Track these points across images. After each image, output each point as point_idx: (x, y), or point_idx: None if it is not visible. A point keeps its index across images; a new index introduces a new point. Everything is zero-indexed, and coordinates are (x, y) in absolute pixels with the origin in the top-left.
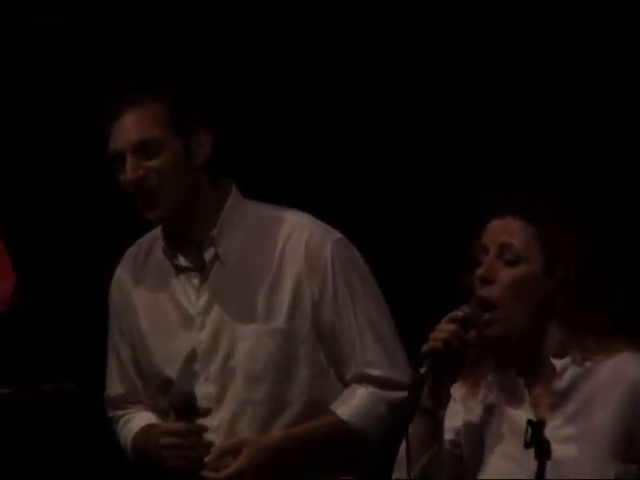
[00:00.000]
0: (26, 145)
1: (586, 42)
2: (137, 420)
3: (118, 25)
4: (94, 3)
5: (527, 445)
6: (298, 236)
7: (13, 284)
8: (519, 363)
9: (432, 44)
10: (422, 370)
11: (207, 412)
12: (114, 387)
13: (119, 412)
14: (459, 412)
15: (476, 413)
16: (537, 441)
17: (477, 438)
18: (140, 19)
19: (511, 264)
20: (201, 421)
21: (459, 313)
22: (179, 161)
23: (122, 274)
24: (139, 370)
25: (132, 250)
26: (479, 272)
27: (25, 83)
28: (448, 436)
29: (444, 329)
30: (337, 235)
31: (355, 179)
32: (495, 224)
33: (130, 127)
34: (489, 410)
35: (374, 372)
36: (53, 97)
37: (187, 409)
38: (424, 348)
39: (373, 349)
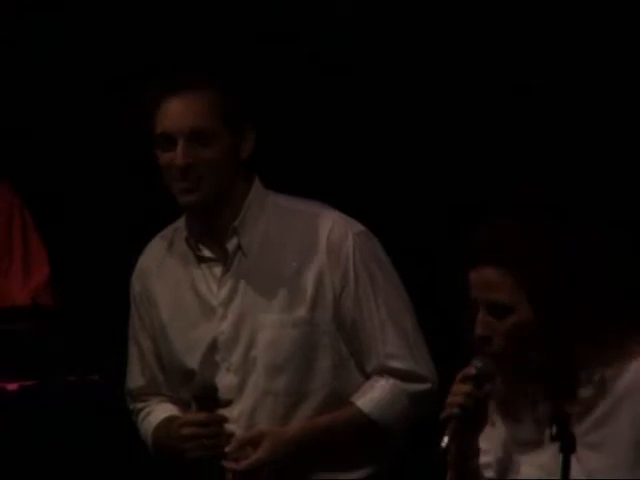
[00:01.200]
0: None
1: (583, 44)
2: (157, 412)
3: (126, 27)
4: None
5: (552, 439)
6: (320, 228)
7: (48, 275)
8: (542, 380)
9: (431, 45)
10: (444, 442)
11: (228, 403)
12: (134, 379)
13: (139, 404)
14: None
15: (502, 428)
16: (562, 434)
17: (506, 451)
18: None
19: (502, 317)
20: (222, 412)
21: (471, 371)
22: (228, 154)
23: (144, 265)
24: (160, 361)
25: (155, 241)
26: (476, 333)
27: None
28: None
29: (459, 392)
30: (359, 227)
31: (354, 178)
32: (475, 277)
33: (188, 111)
34: (515, 424)
35: (395, 364)
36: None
37: (208, 399)
38: (442, 416)
39: (394, 341)
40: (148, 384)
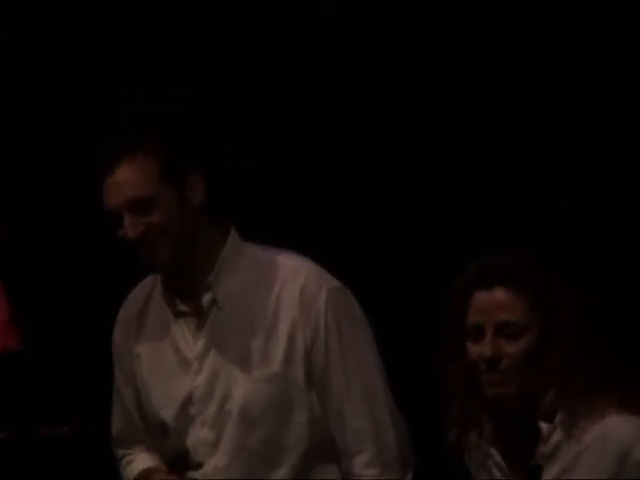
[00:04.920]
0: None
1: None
2: (137, 463)
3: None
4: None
5: None
6: (293, 282)
7: (6, 317)
8: (505, 423)
9: (433, 47)
10: None
11: (199, 465)
12: (116, 426)
13: (122, 451)
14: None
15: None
16: None
17: None
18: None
19: (514, 338)
20: (194, 473)
21: None
22: (176, 211)
23: (125, 316)
24: (141, 412)
25: (134, 293)
26: (486, 354)
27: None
28: None
29: None
30: (334, 283)
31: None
32: (483, 298)
33: (123, 184)
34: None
35: (359, 461)
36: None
37: (180, 461)
38: None
39: (359, 413)
40: (130, 432)
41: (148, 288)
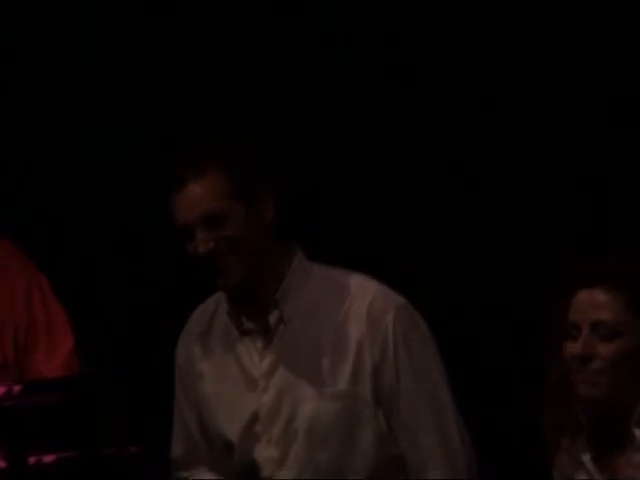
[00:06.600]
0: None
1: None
2: None
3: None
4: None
5: None
6: (361, 300)
7: (72, 346)
8: (598, 427)
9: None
10: None
11: None
12: (177, 448)
13: (184, 473)
14: None
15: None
16: None
17: None
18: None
19: (607, 339)
20: None
21: None
22: (247, 227)
23: (188, 336)
24: (204, 432)
25: (198, 312)
26: (577, 351)
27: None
28: None
29: None
30: (400, 301)
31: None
32: (583, 297)
33: (195, 200)
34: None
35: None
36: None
37: (248, 477)
38: None
39: (429, 432)
40: (192, 454)
41: (212, 307)
